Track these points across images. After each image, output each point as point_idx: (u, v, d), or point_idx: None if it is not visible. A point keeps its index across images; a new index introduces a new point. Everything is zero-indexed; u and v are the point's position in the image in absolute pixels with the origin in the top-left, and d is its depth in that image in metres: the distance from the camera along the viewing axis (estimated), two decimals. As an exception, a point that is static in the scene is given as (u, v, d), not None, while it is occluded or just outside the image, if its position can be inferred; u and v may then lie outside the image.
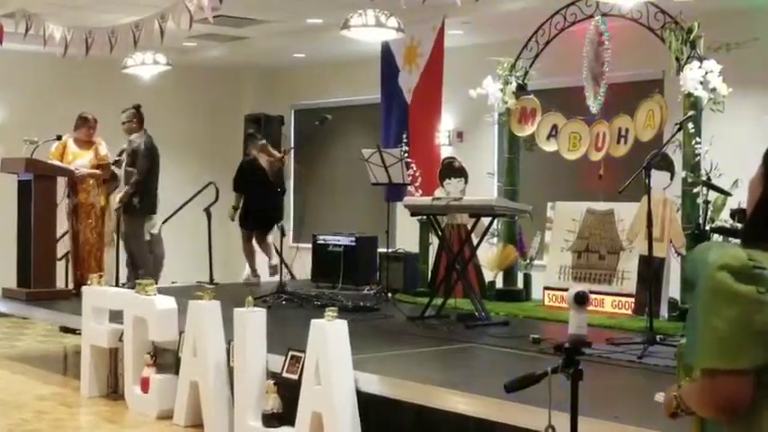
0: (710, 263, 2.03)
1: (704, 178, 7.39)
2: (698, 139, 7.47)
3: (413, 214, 8.56)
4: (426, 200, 8.27)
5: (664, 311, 7.48)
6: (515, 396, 2.97)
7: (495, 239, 9.08)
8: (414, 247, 9.74)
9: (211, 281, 10.38)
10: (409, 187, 9.25)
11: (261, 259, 10.56)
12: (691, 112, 7.33)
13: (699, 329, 2.05)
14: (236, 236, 10.84)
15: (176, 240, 11.08)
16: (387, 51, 10.25)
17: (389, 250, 9.37)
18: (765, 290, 2.00)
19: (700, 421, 2.19)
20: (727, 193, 7.11)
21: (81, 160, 9.38)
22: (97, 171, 9.40)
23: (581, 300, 2.60)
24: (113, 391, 7.37)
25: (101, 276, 7.83)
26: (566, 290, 8.74)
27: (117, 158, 9.62)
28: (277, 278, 9.37)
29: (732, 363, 2.00)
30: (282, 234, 9.59)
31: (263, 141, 10.34)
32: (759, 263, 2.02)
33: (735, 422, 2.06)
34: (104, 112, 9.84)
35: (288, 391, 5.72)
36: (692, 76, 7.40)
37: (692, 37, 7.51)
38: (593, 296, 7.50)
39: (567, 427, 2.80)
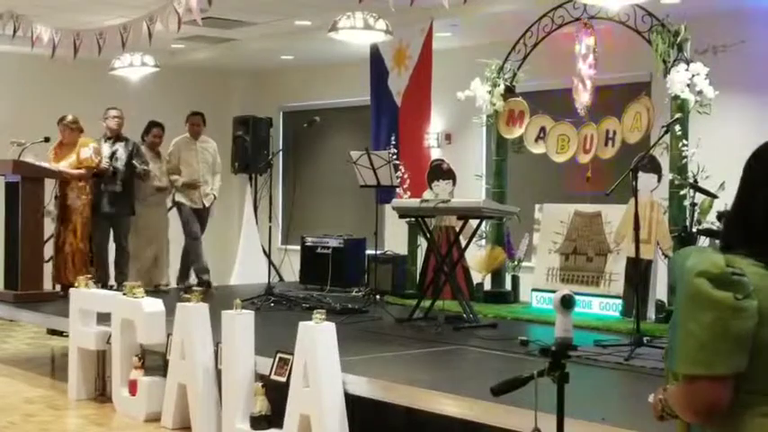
0: (689, 269, 2.05)
1: (691, 180, 7.42)
2: (685, 141, 7.50)
3: (401, 216, 8.57)
4: (415, 202, 8.28)
5: (651, 313, 7.51)
6: (502, 398, 2.97)
7: (483, 241, 9.09)
8: (402, 249, 9.75)
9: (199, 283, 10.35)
10: (398, 189, 9.26)
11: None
12: (677, 115, 7.36)
13: (677, 335, 2.07)
14: (224, 238, 10.84)
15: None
16: (376, 53, 10.25)
17: (378, 252, 9.38)
18: (743, 296, 2.01)
19: (685, 424, 2.21)
20: (713, 196, 7.14)
21: (64, 162, 9.39)
22: (82, 171, 9.36)
23: (567, 303, 2.62)
24: (101, 394, 7.35)
25: (88, 279, 7.82)
26: (554, 291, 8.78)
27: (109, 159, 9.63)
28: None
29: (709, 369, 2.02)
30: None
31: None
32: (737, 269, 2.04)
33: (717, 426, 2.08)
34: (92, 113, 9.81)
35: (276, 393, 5.72)
36: (679, 79, 7.44)
37: (678, 39, 7.54)
38: (580, 298, 7.54)
39: (553, 429, 2.81)
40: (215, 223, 10.74)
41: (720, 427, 2.08)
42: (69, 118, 9.49)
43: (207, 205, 10.06)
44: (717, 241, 6.55)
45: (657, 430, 2.53)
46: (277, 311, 8.33)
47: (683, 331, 2.05)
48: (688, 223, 7.41)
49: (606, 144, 8.13)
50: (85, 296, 7.52)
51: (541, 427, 2.87)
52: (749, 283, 2.02)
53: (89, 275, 8.15)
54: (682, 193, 7.48)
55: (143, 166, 9.67)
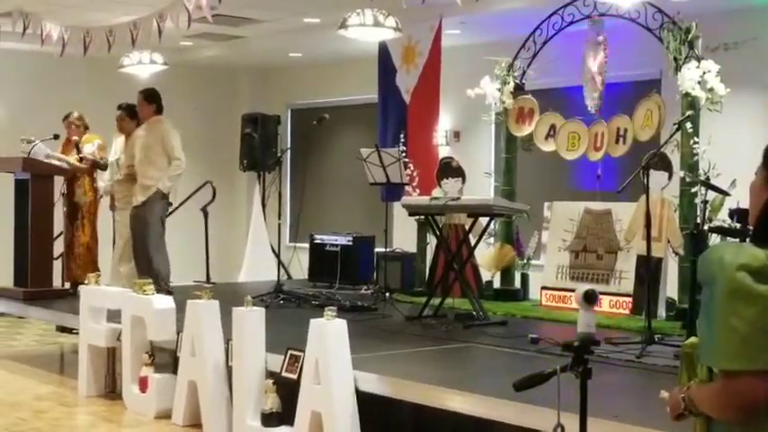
0: (728, 263, 2.01)
1: (702, 178, 7.39)
2: (696, 138, 7.47)
3: (411, 214, 8.56)
4: (424, 199, 8.27)
5: (661, 311, 7.49)
6: (513, 395, 2.96)
7: (492, 239, 9.08)
8: (411, 247, 9.74)
9: (208, 280, 10.37)
10: (407, 187, 9.25)
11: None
12: (689, 112, 7.34)
13: (715, 330, 2.03)
14: (233, 235, 10.84)
15: (173, 240, 11.05)
16: (384, 51, 10.24)
17: (387, 250, 9.36)
18: None
19: (706, 422, 2.19)
20: (725, 193, 7.11)
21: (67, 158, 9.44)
22: (87, 166, 9.37)
23: (590, 298, 2.60)
24: (111, 391, 7.37)
25: (98, 276, 7.83)
26: (563, 289, 8.70)
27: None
28: None
29: (753, 363, 1.99)
30: None
31: None
32: None
33: (747, 424, 2.05)
34: (101, 111, 9.82)
35: (287, 390, 5.72)
36: (690, 76, 7.41)
37: (689, 37, 7.52)
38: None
39: (574, 426, 2.80)
40: (222, 221, 10.73)
41: (751, 426, 2.05)
42: (74, 115, 9.51)
43: None
44: (728, 239, 6.57)
45: (670, 427, 2.52)
46: (286, 309, 8.33)
47: (722, 326, 2.01)
48: (699, 221, 7.38)
49: (617, 141, 8.11)
50: (96, 293, 7.53)
51: (552, 423, 2.86)
52: None
53: (98, 272, 8.16)
54: (693, 190, 7.45)
55: None
